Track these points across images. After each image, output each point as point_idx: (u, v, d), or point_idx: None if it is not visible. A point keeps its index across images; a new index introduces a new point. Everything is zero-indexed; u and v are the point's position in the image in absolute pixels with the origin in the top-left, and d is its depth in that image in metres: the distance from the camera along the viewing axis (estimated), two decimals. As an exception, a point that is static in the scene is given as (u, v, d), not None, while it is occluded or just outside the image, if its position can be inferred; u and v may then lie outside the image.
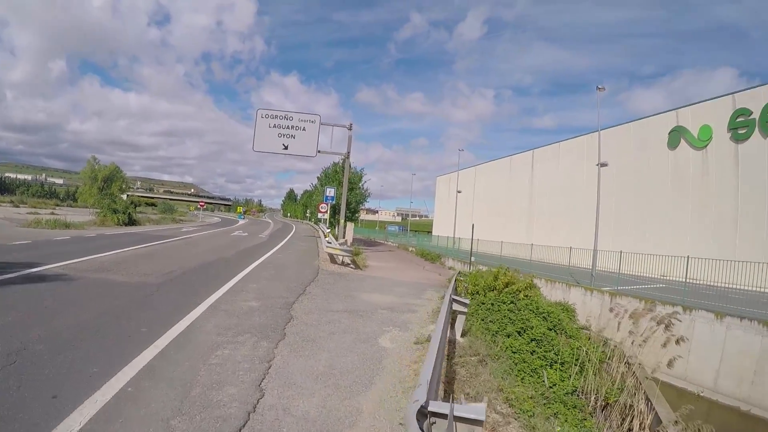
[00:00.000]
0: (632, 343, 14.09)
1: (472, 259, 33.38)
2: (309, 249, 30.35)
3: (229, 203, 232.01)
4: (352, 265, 22.05)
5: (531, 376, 11.22)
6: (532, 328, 13.29)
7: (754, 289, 20.07)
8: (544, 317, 14.38)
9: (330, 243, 24.71)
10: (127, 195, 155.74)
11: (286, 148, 28.76)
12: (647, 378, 12.79)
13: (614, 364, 12.53)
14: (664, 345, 13.81)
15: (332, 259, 22.51)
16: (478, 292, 15.50)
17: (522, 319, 13.64)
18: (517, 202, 51.84)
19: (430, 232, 76.09)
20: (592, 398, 10.95)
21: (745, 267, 20.05)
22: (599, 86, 27.23)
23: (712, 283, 20.77)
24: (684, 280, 19.80)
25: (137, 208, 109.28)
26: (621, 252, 23.17)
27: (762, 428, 13.70)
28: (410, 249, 46.95)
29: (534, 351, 12.60)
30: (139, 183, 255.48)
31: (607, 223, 35.43)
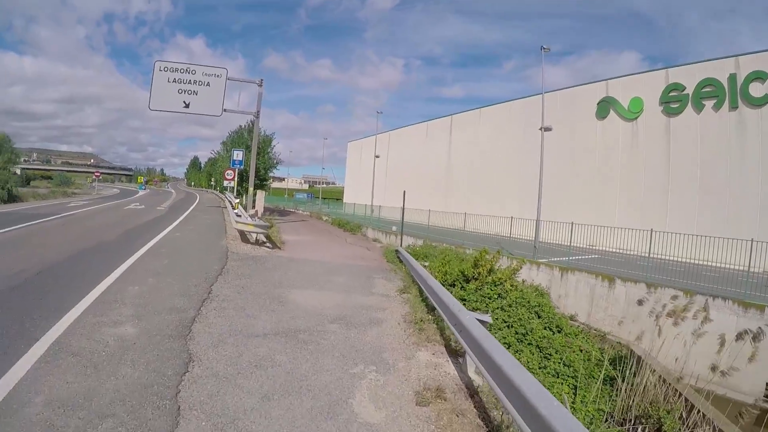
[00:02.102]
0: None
1: (394, 228, 29.83)
2: (214, 223, 25.25)
3: (131, 173, 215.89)
4: (268, 244, 17.55)
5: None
6: (532, 331, 9.69)
7: (712, 263, 17.64)
8: (537, 313, 10.82)
9: (239, 216, 20.19)
10: (21, 168, 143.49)
11: (187, 106, 23.68)
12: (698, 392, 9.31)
13: (645, 373, 9.03)
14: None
15: (243, 236, 17.99)
16: (452, 284, 11.60)
17: (517, 318, 10.01)
18: (433, 169, 48.26)
19: (339, 199, 72.09)
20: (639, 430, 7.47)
21: (707, 241, 17.30)
22: (544, 46, 23.88)
23: (657, 256, 18.43)
24: (647, 253, 17.91)
25: (31, 182, 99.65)
26: (572, 224, 20.24)
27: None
28: (324, 218, 42.65)
29: (543, 365, 9.02)
30: (35, 155, 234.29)
31: (532, 192, 33.44)
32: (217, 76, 24.37)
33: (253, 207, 26.96)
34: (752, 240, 15.07)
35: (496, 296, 10.74)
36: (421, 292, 10.63)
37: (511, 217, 24.09)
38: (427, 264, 13.54)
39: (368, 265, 15.60)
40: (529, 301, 11.06)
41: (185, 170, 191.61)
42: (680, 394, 8.89)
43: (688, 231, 18.75)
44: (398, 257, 17.91)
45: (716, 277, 15.63)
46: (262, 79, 26.05)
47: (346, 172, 71.28)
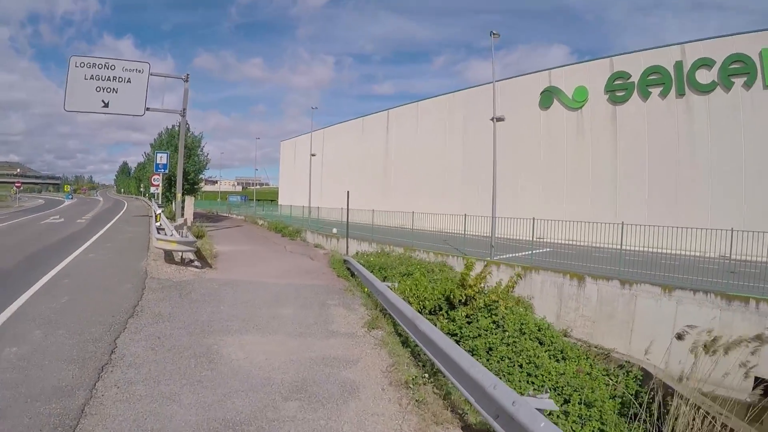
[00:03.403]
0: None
1: (335, 230, 27.31)
2: (137, 237, 21.68)
3: (58, 182, 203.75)
4: (196, 262, 14.50)
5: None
6: (543, 368, 7.40)
7: (668, 251, 16.36)
8: (539, 340, 8.54)
9: (162, 231, 17.13)
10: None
11: (106, 105, 20.89)
12: None
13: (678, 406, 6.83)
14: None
15: (168, 253, 14.96)
16: (433, 311, 9.08)
17: (525, 355, 7.64)
18: (372, 166, 45.50)
19: (274, 201, 68.90)
20: None
21: (678, 232, 15.88)
22: (493, 32, 21.65)
23: (600, 245, 18.12)
24: (605, 245, 17.29)
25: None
26: (533, 219, 18.61)
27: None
28: (260, 222, 39.45)
29: (565, 410, 6.75)
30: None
31: (477, 185, 32.64)
32: (139, 71, 21.73)
33: (182, 215, 23.86)
34: (732, 230, 14.19)
35: (492, 326, 8.32)
36: (395, 324, 8.13)
37: (465, 215, 21.88)
38: (394, 285, 10.75)
39: (317, 283, 12.79)
40: (528, 325, 8.74)
41: (115, 176, 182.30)
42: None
43: (638, 220, 17.54)
44: (348, 268, 15.43)
45: (679, 266, 14.26)
46: (188, 75, 23.35)
47: (280, 172, 67.64)
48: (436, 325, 7.42)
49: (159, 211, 21.53)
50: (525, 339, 8.11)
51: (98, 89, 20.78)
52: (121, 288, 10.58)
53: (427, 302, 9.23)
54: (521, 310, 9.87)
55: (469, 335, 8.17)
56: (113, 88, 21.00)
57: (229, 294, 10.71)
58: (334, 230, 27.81)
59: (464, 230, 21.67)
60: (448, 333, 7.73)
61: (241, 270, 14.43)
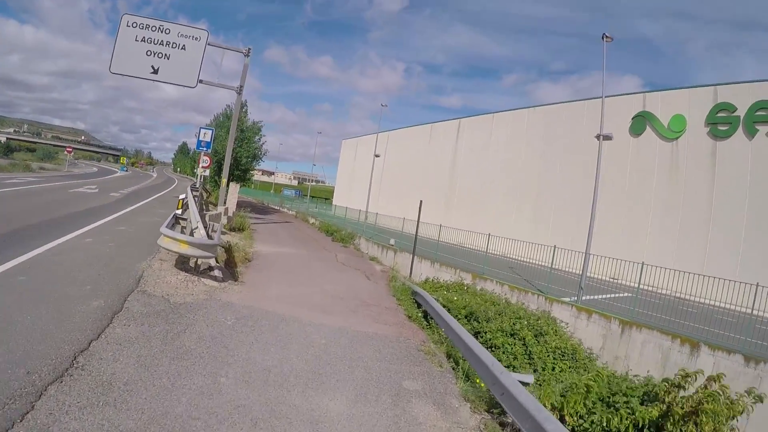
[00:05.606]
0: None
1: (392, 242, 23.70)
2: (161, 224, 17.88)
3: (118, 153, 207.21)
4: (216, 271, 10.52)
5: None
6: None
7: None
8: None
9: (182, 222, 13.71)
10: (7, 137, 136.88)
11: (155, 71, 18.92)
12: None
13: None
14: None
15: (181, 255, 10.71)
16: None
17: None
18: (436, 176, 42.46)
19: (328, 199, 66.32)
20: None
21: None
22: (606, 35, 18.73)
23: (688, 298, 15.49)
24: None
25: (14, 152, 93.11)
26: (642, 264, 15.07)
27: None
28: (311, 221, 36.00)
29: None
30: (26, 126, 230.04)
31: (550, 209, 31.07)
32: (196, 38, 19.36)
33: (224, 204, 20.54)
34: None
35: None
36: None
37: (554, 246, 18.02)
38: (528, 378, 6.35)
39: (382, 332, 8.68)
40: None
41: (173, 155, 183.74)
42: None
43: (728, 274, 14.94)
44: (415, 300, 11.65)
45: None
46: (249, 48, 20.82)
47: (338, 171, 65.01)
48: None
49: (183, 195, 17.60)
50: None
51: (149, 53, 18.86)
52: (83, 307, 6.74)
53: (594, 427, 5.17)
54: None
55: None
56: (165, 54, 19.00)
57: (245, 344, 6.63)
58: (392, 242, 24.44)
59: (551, 264, 18.16)
60: None
61: (276, 289, 10.62)
